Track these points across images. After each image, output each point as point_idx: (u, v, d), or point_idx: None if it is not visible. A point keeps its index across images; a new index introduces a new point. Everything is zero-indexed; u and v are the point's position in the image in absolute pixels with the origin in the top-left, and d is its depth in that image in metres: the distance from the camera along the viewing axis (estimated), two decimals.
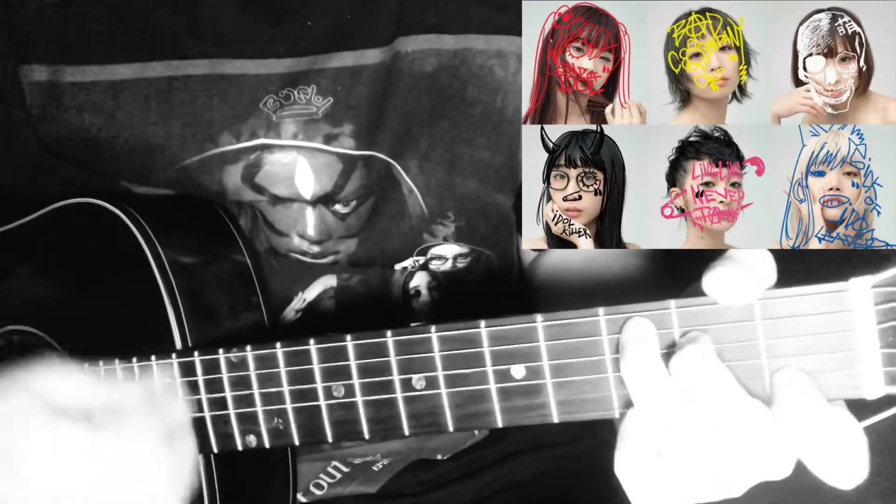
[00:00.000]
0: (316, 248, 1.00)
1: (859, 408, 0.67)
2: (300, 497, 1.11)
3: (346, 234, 0.99)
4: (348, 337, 0.74)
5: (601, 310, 0.67)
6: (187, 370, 0.82)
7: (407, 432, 0.74)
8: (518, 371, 0.69)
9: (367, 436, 0.75)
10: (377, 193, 0.98)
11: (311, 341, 0.76)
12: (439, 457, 1.16)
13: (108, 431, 0.73)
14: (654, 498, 0.65)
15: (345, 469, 1.14)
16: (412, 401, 0.73)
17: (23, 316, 0.98)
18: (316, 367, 0.76)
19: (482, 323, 0.70)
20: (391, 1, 0.94)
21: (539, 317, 0.68)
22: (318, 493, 1.13)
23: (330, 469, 1.14)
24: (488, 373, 0.70)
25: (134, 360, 0.85)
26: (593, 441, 1.13)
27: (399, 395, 0.73)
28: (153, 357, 0.84)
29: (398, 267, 1.03)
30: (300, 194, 0.96)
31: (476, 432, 1.17)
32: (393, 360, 0.73)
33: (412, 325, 0.74)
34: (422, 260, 1.03)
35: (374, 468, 1.14)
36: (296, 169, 0.96)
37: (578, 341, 0.68)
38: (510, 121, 0.96)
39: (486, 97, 0.96)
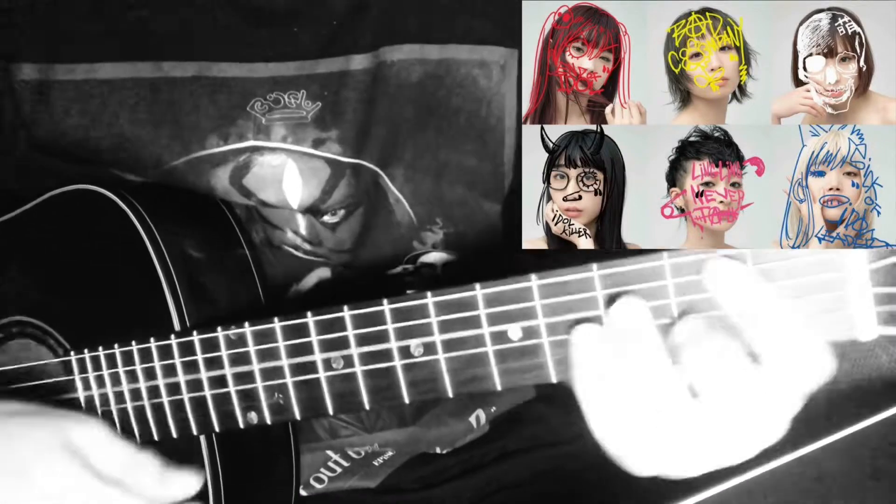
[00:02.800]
0: (308, 247, 1.00)
1: (859, 407, 0.67)
2: (300, 491, 1.11)
3: (337, 249, 1.00)
4: (345, 308, 0.75)
5: (594, 265, 0.68)
6: (187, 350, 0.82)
7: (407, 400, 0.74)
8: (514, 332, 0.70)
9: (367, 406, 0.76)
10: (365, 204, 0.99)
11: (309, 314, 0.76)
12: (438, 450, 1.16)
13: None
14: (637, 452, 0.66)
15: (345, 463, 1.15)
16: (411, 368, 0.74)
17: (21, 307, 0.98)
18: (314, 339, 0.76)
19: (477, 286, 0.71)
20: (374, 10, 0.94)
21: (533, 276, 0.69)
22: (318, 487, 1.14)
23: (330, 463, 1.15)
24: (485, 335, 0.71)
25: (133, 343, 0.86)
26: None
27: (398, 363, 0.74)
28: (152, 339, 0.85)
29: (389, 274, 1.04)
30: (288, 202, 0.97)
31: (475, 427, 1.17)
32: (390, 327, 0.74)
33: (408, 292, 0.74)
34: (411, 267, 1.04)
35: (375, 463, 1.15)
36: (284, 172, 0.96)
37: (573, 298, 0.68)
38: (494, 129, 0.96)
39: (471, 106, 0.96)
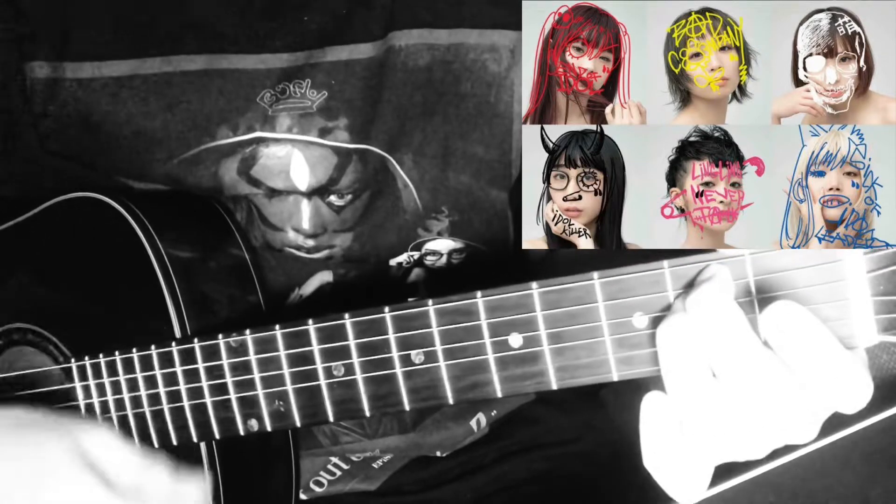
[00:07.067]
0: (311, 242, 1.00)
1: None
2: (300, 495, 1.11)
3: (341, 228, 1.00)
4: (346, 315, 0.75)
5: (595, 274, 0.68)
6: (187, 357, 0.82)
7: (407, 407, 0.74)
8: (515, 340, 0.70)
9: (367, 413, 0.76)
10: (372, 188, 0.99)
11: (310, 322, 0.76)
12: (438, 454, 1.16)
13: None
14: (681, 471, 0.64)
15: (345, 466, 1.15)
16: (411, 375, 0.73)
17: (22, 313, 0.98)
18: (315, 347, 0.76)
19: (478, 294, 0.71)
20: None
21: (534, 284, 0.69)
22: (318, 490, 1.14)
23: (330, 466, 1.15)
24: (486, 344, 0.71)
25: (134, 350, 0.85)
26: (593, 441, 1.13)
27: (398, 370, 0.74)
28: (153, 347, 0.84)
29: (393, 262, 1.03)
30: (296, 187, 0.97)
31: (475, 430, 1.17)
32: (391, 336, 0.73)
33: (409, 300, 0.74)
34: (416, 255, 1.03)
35: (374, 465, 1.14)
36: (291, 162, 0.96)
37: (574, 307, 0.68)
38: (503, 115, 0.96)
39: (480, 91, 0.96)
